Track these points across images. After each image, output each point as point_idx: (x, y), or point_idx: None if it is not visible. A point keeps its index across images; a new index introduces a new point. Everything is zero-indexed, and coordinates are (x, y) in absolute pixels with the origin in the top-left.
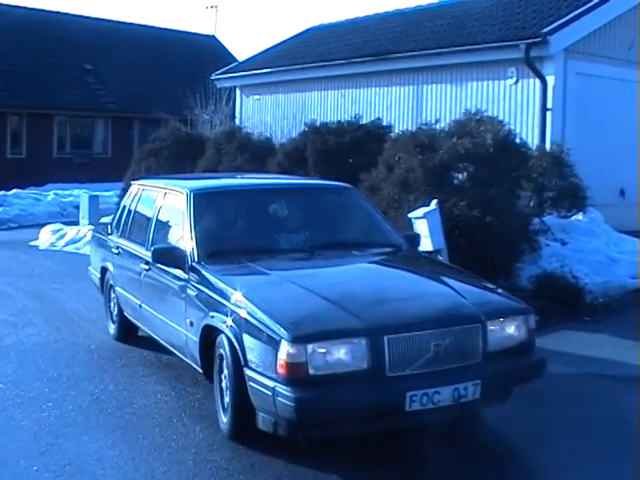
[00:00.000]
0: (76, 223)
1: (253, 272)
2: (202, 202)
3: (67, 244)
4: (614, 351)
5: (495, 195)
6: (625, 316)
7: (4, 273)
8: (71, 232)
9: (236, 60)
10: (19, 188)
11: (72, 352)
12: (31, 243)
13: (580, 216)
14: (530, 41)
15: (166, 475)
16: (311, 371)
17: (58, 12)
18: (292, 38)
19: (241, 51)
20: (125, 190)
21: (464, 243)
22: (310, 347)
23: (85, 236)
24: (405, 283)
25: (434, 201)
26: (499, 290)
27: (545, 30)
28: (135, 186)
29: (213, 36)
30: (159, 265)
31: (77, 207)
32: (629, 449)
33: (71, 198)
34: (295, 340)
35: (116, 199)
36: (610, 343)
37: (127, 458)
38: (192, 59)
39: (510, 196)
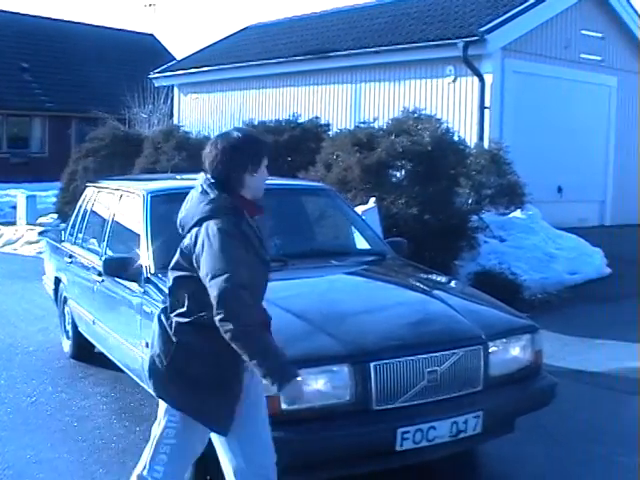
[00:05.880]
0: (13, 223)
1: None
2: (161, 205)
3: (4, 245)
4: (553, 346)
5: (433, 193)
6: (563, 312)
7: None
8: (8, 233)
9: (174, 58)
10: None
11: (9, 354)
12: None
13: (518, 213)
14: (468, 40)
15: (106, 477)
16: (284, 405)
17: None
18: (230, 36)
19: (179, 49)
20: (65, 190)
21: None
22: None
23: (22, 236)
24: (392, 298)
25: (372, 199)
26: (499, 304)
27: (483, 29)
28: (90, 189)
29: (151, 34)
30: (113, 278)
31: (14, 207)
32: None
33: (7, 198)
34: None
35: (54, 199)
36: (549, 339)
37: (67, 461)
38: (130, 57)
39: (448, 194)
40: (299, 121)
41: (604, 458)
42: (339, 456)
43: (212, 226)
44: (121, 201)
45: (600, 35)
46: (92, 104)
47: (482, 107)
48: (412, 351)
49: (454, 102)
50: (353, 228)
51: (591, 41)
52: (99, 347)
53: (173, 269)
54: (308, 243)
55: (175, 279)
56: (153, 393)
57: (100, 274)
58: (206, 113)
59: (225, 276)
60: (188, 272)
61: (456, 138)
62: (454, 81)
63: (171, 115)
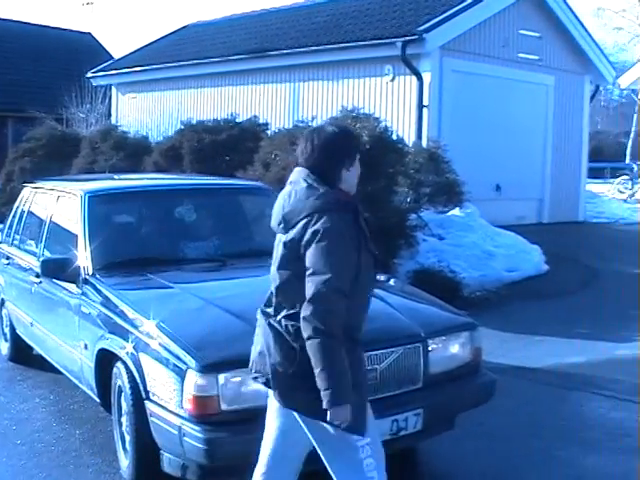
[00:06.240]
0: None
1: (155, 286)
2: (98, 206)
3: None
4: (492, 343)
5: (372, 191)
6: (502, 309)
7: None
8: None
9: (112, 57)
10: None
11: None
12: None
13: (457, 211)
14: (406, 39)
15: None
16: (224, 406)
17: None
18: (169, 35)
19: (118, 48)
20: (2, 191)
21: None
22: (222, 377)
23: None
24: None
25: None
26: (438, 302)
27: (421, 28)
28: (27, 189)
29: (89, 33)
30: (50, 279)
31: None
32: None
33: None
34: (204, 369)
35: None
36: (488, 336)
37: (6, 465)
38: (68, 56)
39: (387, 192)
40: (237, 120)
41: (543, 452)
42: None
43: (325, 222)
44: (59, 202)
45: (538, 35)
46: (29, 104)
47: (420, 106)
48: None
49: (392, 101)
50: None
51: (529, 40)
52: (37, 349)
53: (280, 269)
54: (247, 243)
55: (283, 277)
56: (281, 404)
57: (38, 275)
58: (144, 112)
59: (325, 277)
60: (295, 269)
61: (394, 137)
62: (392, 80)
63: (109, 115)
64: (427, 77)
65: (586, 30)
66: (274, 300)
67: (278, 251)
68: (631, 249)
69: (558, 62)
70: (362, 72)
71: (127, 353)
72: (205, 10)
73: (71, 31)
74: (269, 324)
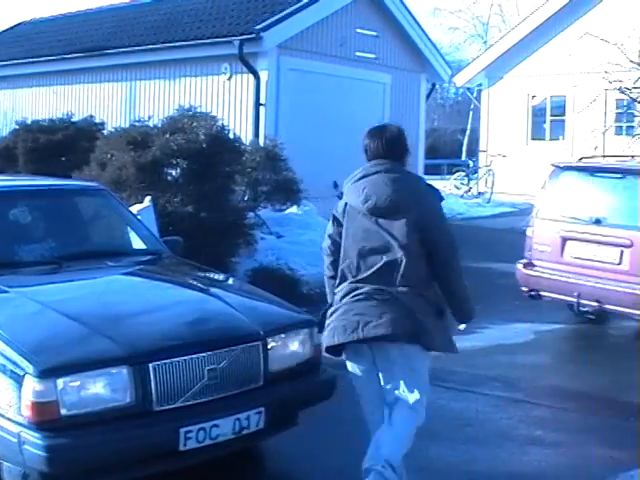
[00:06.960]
0: None
1: None
2: None
3: None
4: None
5: (209, 190)
6: None
7: None
8: None
9: None
10: None
11: None
12: None
13: (295, 209)
14: (243, 37)
15: None
16: (63, 411)
17: None
18: (3, 32)
19: None
20: None
21: None
22: (61, 382)
23: None
24: (170, 298)
25: (147, 198)
26: (277, 300)
27: (258, 27)
28: None
29: None
30: None
31: None
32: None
33: None
34: (42, 374)
35: None
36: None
37: None
38: None
39: (224, 191)
40: (73, 120)
41: None
42: (122, 460)
43: (437, 200)
44: None
45: (375, 34)
46: None
47: (257, 104)
48: (191, 350)
49: (230, 100)
50: (128, 228)
51: (366, 39)
52: None
53: (403, 245)
54: (82, 244)
55: (410, 250)
56: (425, 347)
57: None
58: None
59: (453, 236)
60: (416, 241)
61: (232, 136)
62: (229, 79)
63: None
64: (264, 75)
65: (422, 29)
66: (395, 273)
67: (397, 230)
68: (469, 244)
69: (395, 60)
70: (199, 71)
71: None
72: (40, 7)
73: None
74: (412, 292)
